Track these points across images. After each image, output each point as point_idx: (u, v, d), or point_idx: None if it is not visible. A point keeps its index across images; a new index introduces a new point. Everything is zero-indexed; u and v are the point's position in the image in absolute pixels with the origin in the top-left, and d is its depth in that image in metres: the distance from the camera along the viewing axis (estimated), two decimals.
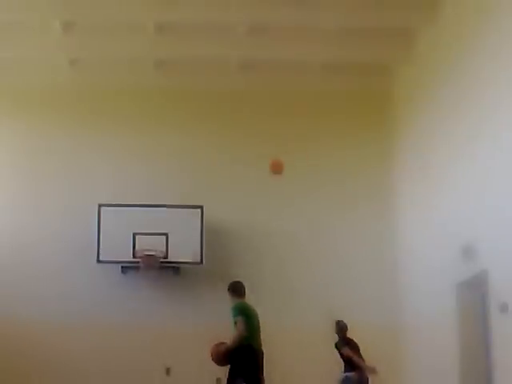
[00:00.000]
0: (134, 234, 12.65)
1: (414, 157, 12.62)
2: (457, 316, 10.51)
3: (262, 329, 9.73)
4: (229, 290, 9.96)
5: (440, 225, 11.23)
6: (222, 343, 9.61)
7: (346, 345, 10.77)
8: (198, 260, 12.73)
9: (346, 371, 10.72)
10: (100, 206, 12.76)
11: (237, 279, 10.21)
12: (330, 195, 13.56)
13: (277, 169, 10.51)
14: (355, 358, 10.63)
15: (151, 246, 12.59)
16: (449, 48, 11.07)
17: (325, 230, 13.43)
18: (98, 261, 12.66)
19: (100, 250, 12.61)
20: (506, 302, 8.87)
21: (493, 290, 9.33)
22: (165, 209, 12.80)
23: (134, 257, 12.62)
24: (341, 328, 10.97)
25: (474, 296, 10.32)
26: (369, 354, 12.40)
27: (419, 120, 12.34)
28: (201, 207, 12.86)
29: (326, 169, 13.64)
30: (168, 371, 12.70)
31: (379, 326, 12.66)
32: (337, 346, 10.82)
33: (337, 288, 13.05)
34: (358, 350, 10.86)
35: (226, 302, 12.89)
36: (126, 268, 12.86)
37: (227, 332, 12.70)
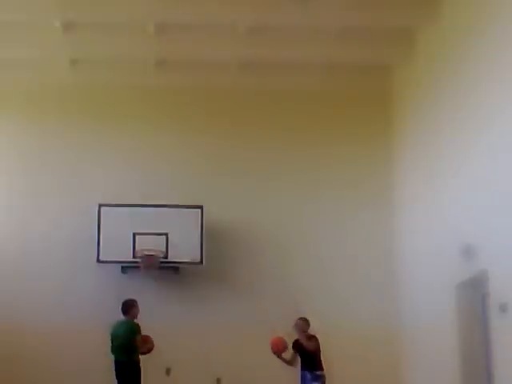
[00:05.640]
0: (134, 234, 12.65)
1: (414, 156, 12.61)
2: (457, 316, 10.51)
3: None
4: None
5: (440, 225, 11.23)
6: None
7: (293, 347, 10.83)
8: (198, 260, 12.73)
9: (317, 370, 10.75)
10: (100, 205, 12.76)
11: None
12: (330, 195, 13.57)
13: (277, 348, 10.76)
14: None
15: (151, 245, 12.59)
16: (449, 48, 11.06)
17: (324, 230, 13.43)
18: (98, 261, 12.66)
19: (100, 250, 12.61)
20: (506, 302, 8.87)
21: (493, 290, 9.33)
22: (165, 209, 12.80)
23: (134, 257, 12.62)
24: (300, 325, 10.96)
25: (474, 296, 10.33)
26: (368, 354, 12.45)
27: (419, 120, 12.34)
28: (201, 207, 12.86)
29: (326, 169, 13.65)
30: (168, 371, 12.70)
31: (379, 326, 12.67)
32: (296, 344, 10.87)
33: (337, 288, 13.07)
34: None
35: (226, 302, 12.98)
36: (125, 268, 12.86)
37: (227, 332, 12.81)
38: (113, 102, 13.67)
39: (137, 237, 12.65)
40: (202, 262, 12.74)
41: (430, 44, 11.87)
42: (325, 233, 13.42)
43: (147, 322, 12.56)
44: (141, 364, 10.44)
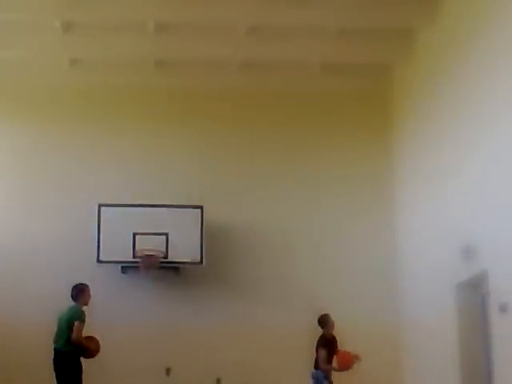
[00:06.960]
0: (134, 234, 12.64)
1: (415, 156, 12.62)
2: (457, 316, 10.52)
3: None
4: None
5: (440, 225, 11.23)
6: None
7: (323, 346, 10.82)
8: (198, 260, 12.72)
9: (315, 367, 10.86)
10: (100, 205, 12.75)
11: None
12: (330, 195, 13.56)
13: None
14: (323, 365, 10.73)
15: (151, 245, 12.59)
16: (448, 48, 11.07)
17: (325, 229, 13.43)
18: (98, 261, 12.65)
19: (100, 250, 12.60)
20: (506, 302, 8.87)
21: (493, 290, 9.34)
22: (165, 209, 12.79)
23: (134, 257, 12.61)
24: (324, 322, 11.03)
25: (474, 296, 10.34)
26: (369, 353, 12.43)
27: (420, 119, 12.34)
28: (201, 207, 12.86)
29: (326, 169, 13.65)
30: (168, 371, 12.70)
31: (379, 326, 12.66)
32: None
33: (337, 288, 13.05)
34: (335, 347, 10.95)
35: (226, 302, 12.98)
36: (125, 268, 12.85)
37: (227, 332, 12.81)
38: (112, 102, 13.66)
39: (137, 237, 12.64)
40: (201, 262, 12.73)
41: (430, 44, 11.87)
42: (325, 232, 13.41)
43: (147, 322, 12.65)
44: (81, 359, 9.94)
